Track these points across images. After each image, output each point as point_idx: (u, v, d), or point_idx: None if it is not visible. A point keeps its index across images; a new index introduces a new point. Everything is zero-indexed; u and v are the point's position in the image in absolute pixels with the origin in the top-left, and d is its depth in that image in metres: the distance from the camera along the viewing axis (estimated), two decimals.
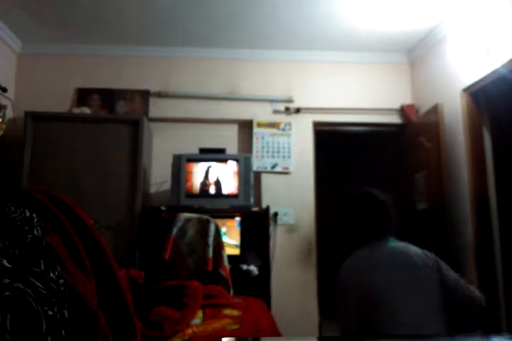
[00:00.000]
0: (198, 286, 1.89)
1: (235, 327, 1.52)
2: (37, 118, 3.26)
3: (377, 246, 1.74)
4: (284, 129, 3.76)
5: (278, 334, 1.56)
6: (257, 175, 3.64)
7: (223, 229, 3.07)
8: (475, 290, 1.69)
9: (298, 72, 3.86)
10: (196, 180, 3.29)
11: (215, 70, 3.84)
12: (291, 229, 3.61)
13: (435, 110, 3.23)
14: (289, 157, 3.72)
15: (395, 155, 3.92)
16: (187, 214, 2.71)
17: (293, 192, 3.66)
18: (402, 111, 3.80)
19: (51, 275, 0.57)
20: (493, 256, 2.85)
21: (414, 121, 3.66)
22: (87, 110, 3.53)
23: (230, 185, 3.27)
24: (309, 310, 3.49)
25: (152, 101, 3.75)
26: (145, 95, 3.74)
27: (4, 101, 3.01)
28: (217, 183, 3.30)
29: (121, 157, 3.24)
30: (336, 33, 3.50)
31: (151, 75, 3.79)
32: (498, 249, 2.86)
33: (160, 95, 3.75)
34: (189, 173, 3.28)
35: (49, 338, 0.49)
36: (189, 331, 1.42)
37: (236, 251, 3.16)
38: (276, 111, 3.80)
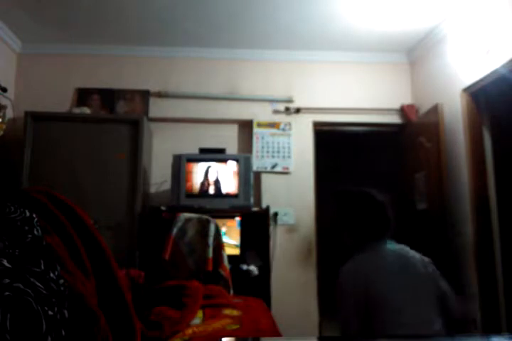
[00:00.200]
0: (198, 286, 1.89)
1: (235, 327, 1.52)
2: (37, 118, 3.26)
3: (375, 248, 1.72)
4: (284, 129, 3.76)
5: (278, 334, 1.56)
6: (257, 175, 3.64)
7: (223, 229, 3.07)
8: (461, 303, 1.71)
9: (298, 72, 3.86)
10: (196, 180, 3.29)
11: (215, 70, 3.84)
12: (291, 229, 3.61)
13: (435, 110, 3.23)
14: (289, 157, 3.72)
15: (395, 155, 3.92)
16: (187, 214, 2.71)
17: (293, 192, 3.66)
18: (402, 111, 3.80)
19: (51, 275, 0.57)
20: (493, 256, 2.85)
21: (414, 121, 3.65)
22: (87, 110, 3.53)
23: (230, 185, 3.27)
24: (309, 310, 3.49)
25: (152, 101, 3.75)
26: (145, 95, 3.74)
27: (4, 101, 3.00)
28: (217, 183, 3.30)
29: (121, 157, 3.24)
30: (336, 33, 3.50)
31: (151, 75, 3.79)
32: (498, 249, 2.86)
33: (160, 95, 3.75)
34: (189, 173, 3.28)
35: (49, 338, 0.49)
36: (189, 331, 1.42)
37: (236, 251, 3.16)
38: (276, 111, 3.80)
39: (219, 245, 2.56)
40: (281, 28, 3.43)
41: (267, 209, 3.34)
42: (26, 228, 0.61)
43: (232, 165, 3.31)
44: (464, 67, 3.06)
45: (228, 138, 3.78)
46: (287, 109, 3.78)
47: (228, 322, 1.57)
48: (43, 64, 3.77)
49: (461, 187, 3.04)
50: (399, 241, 1.81)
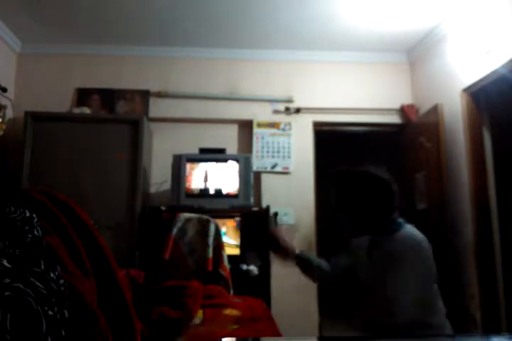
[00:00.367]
0: (198, 286, 1.89)
1: (235, 327, 1.52)
2: (37, 118, 3.26)
3: (405, 224, 1.68)
4: (284, 129, 3.76)
5: (278, 334, 1.56)
6: (257, 175, 3.64)
7: (223, 229, 3.06)
8: None
9: (298, 72, 3.86)
10: (196, 180, 3.29)
11: (215, 70, 3.84)
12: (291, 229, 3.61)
13: (435, 110, 3.23)
14: (289, 157, 3.72)
15: (395, 155, 3.92)
16: (187, 214, 2.71)
17: (293, 192, 3.66)
18: (402, 111, 3.80)
19: (51, 275, 0.57)
20: (493, 256, 2.85)
21: (414, 121, 3.65)
22: (87, 110, 3.53)
23: (230, 185, 3.27)
24: (309, 310, 3.49)
25: (152, 101, 3.75)
26: (145, 95, 3.74)
27: (4, 101, 3.00)
28: (217, 183, 3.29)
29: (121, 157, 3.24)
30: (336, 33, 3.50)
31: (151, 75, 3.79)
32: (498, 249, 2.86)
33: (160, 95, 3.75)
34: (189, 173, 3.28)
35: (49, 338, 0.49)
36: (189, 331, 1.42)
37: (236, 251, 3.16)
38: (276, 111, 3.80)
39: (219, 245, 2.56)
40: (281, 28, 3.43)
41: (267, 209, 3.34)
42: (26, 228, 0.61)
43: (232, 165, 3.31)
44: (464, 67, 3.06)
45: (228, 138, 3.78)
46: (287, 109, 3.78)
47: (228, 322, 1.57)
48: (43, 64, 3.77)
49: (461, 187, 3.04)
50: None
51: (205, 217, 2.67)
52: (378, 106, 3.81)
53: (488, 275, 2.82)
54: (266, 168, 3.69)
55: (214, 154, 3.40)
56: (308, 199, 3.67)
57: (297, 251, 1.82)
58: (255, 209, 3.36)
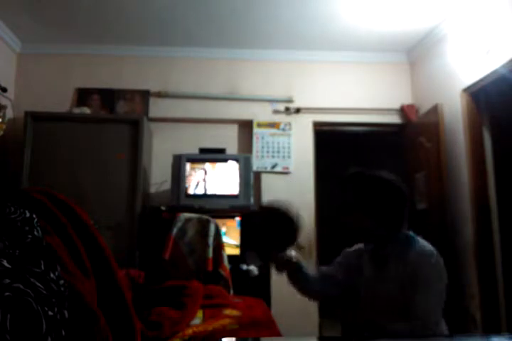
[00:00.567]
0: (198, 286, 1.89)
1: (235, 327, 1.52)
2: (37, 118, 3.26)
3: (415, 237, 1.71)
4: (284, 129, 3.76)
5: (278, 334, 1.56)
6: (257, 175, 3.64)
7: (223, 229, 3.06)
8: None
9: (298, 72, 3.86)
10: (196, 180, 3.29)
11: (215, 70, 3.84)
12: None
13: (435, 110, 3.23)
14: (289, 157, 3.72)
15: (395, 155, 3.92)
16: (187, 214, 2.71)
17: (293, 192, 3.66)
18: (402, 111, 3.80)
19: (51, 275, 0.57)
20: (493, 256, 2.85)
21: (414, 121, 3.66)
22: (87, 110, 3.53)
23: (230, 185, 3.27)
24: (309, 310, 3.49)
25: (152, 101, 3.75)
26: (145, 95, 3.74)
27: (4, 101, 3.01)
28: (217, 183, 3.29)
29: (121, 157, 3.24)
30: (336, 33, 3.50)
31: (151, 75, 3.79)
32: (498, 249, 2.86)
33: (160, 95, 3.75)
34: (189, 173, 3.28)
35: (49, 338, 0.49)
36: (189, 331, 1.42)
37: (236, 251, 3.16)
38: (276, 111, 3.80)
39: (219, 245, 2.56)
40: (282, 28, 3.43)
41: None
42: (26, 228, 0.61)
43: (232, 165, 3.31)
44: (464, 67, 3.06)
45: (228, 138, 3.78)
46: (287, 109, 3.78)
47: (228, 322, 1.57)
48: (43, 64, 3.77)
49: (461, 187, 3.04)
50: None
51: (205, 217, 2.67)
52: (378, 106, 3.81)
53: (488, 275, 2.82)
54: (266, 168, 3.69)
55: (214, 154, 3.41)
56: (308, 199, 3.67)
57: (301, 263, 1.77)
58: (255, 209, 3.35)
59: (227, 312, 1.75)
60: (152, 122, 3.64)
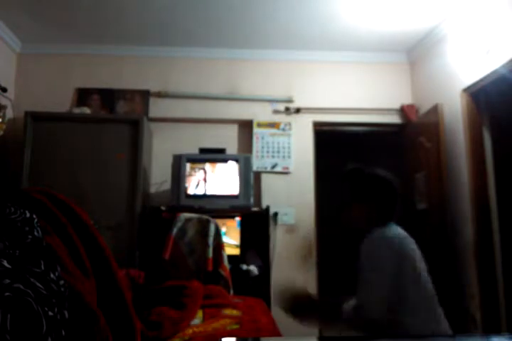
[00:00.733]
0: (198, 286, 1.89)
1: (235, 327, 1.52)
2: (37, 118, 3.26)
3: (397, 226, 1.76)
4: (284, 129, 3.76)
5: (278, 334, 1.56)
6: (257, 175, 3.64)
7: (223, 229, 3.07)
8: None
9: (298, 72, 3.86)
10: (196, 180, 3.29)
11: (215, 70, 3.84)
12: (291, 229, 3.61)
13: (435, 110, 3.23)
14: (289, 157, 3.72)
15: (395, 155, 3.92)
16: (187, 214, 2.71)
17: (293, 192, 3.66)
18: (402, 111, 3.80)
19: (51, 275, 0.57)
20: (493, 256, 2.85)
21: (414, 121, 3.66)
22: (87, 110, 3.53)
23: (230, 185, 3.27)
24: None
25: (152, 101, 3.75)
26: (145, 95, 3.74)
27: (4, 101, 3.01)
28: (217, 183, 3.30)
29: (121, 157, 3.24)
30: (336, 33, 3.50)
31: (151, 75, 3.79)
32: (498, 249, 2.86)
33: (160, 95, 3.75)
34: (189, 173, 3.28)
35: (49, 339, 0.49)
36: (189, 331, 1.42)
37: (236, 251, 3.16)
38: (276, 111, 3.80)
39: (219, 245, 2.56)
40: (282, 27, 3.43)
41: (267, 209, 3.34)
42: (26, 229, 0.61)
43: (232, 165, 3.31)
44: (464, 67, 3.06)
45: (228, 138, 3.78)
46: (287, 109, 3.78)
47: (228, 322, 1.57)
48: (43, 64, 3.77)
49: (461, 187, 3.04)
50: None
51: (205, 217, 2.67)
52: (378, 106, 3.81)
53: (488, 275, 2.82)
54: (266, 168, 3.69)
55: (214, 154, 3.41)
56: (308, 199, 3.67)
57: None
58: (255, 209, 3.36)
59: (227, 312, 1.75)
60: (152, 122, 3.64)
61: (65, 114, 3.48)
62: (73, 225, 0.79)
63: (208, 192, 3.27)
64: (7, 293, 0.47)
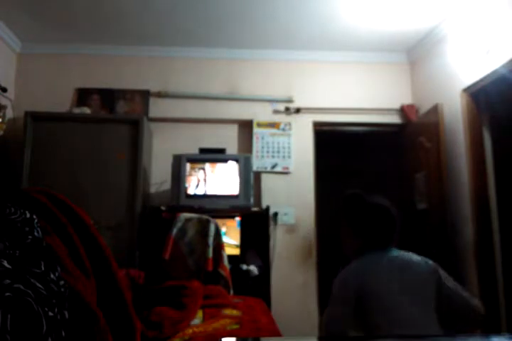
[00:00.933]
0: (198, 286, 1.89)
1: (235, 327, 1.52)
2: (37, 119, 3.26)
3: (379, 254, 1.76)
4: (284, 129, 3.76)
5: (278, 334, 1.56)
6: (257, 175, 3.64)
7: (223, 229, 3.07)
8: (473, 300, 1.70)
9: (298, 72, 3.86)
10: (196, 180, 3.29)
11: (215, 70, 3.84)
12: (291, 229, 3.61)
13: (435, 110, 3.23)
14: (289, 157, 3.72)
15: (395, 155, 3.92)
16: (187, 214, 2.71)
17: (293, 192, 3.66)
18: (402, 111, 3.80)
19: (51, 276, 0.57)
20: (493, 256, 2.85)
21: (414, 121, 3.66)
22: (87, 110, 3.53)
23: (230, 185, 3.27)
24: (309, 310, 3.49)
25: (152, 101, 3.75)
26: (145, 95, 3.74)
27: (4, 101, 3.02)
28: (217, 183, 3.30)
29: (121, 157, 3.24)
30: (336, 33, 3.50)
31: (151, 75, 3.79)
32: (498, 249, 2.86)
33: (160, 95, 3.75)
34: (189, 173, 3.28)
35: (49, 339, 0.49)
36: (189, 331, 1.42)
37: (236, 251, 3.16)
38: (276, 111, 3.80)
39: (219, 245, 2.56)
40: (282, 27, 3.43)
41: (267, 209, 3.34)
42: (26, 229, 0.61)
43: (232, 165, 3.31)
44: (464, 67, 3.06)
45: (228, 138, 3.78)
46: (287, 109, 3.79)
47: (228, 322, 1.57)
48: (43, 64, 3.77)
49: (461, 187, 3.04)
50: (401, 245, 1.82)
51: (205, 217, 2.67)
52: (378, 106, 3.81)
53: (488, 275, 2.82)
54: (266, 168, 3.69)
55: (214, 154, 3.40)
56: (308, 199, 3.67)
57: None
58: (255, 209, 3.36)
59: (227, 312, 1.75)
60: (152, 122, 3.64)
61: (65, 114, 3.48)
62: (73, 225, 0.79)
63: (208, 192, 3.27)
64: (7, 294, 0.47)
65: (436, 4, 3.05)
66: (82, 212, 0.84)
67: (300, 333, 3.23)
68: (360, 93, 3.84)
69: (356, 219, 1.83)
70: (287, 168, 3.70)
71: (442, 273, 1.74)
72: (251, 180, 3.27)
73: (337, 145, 4.64)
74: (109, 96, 3.72)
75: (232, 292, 2.44)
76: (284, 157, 3.71)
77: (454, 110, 3.13)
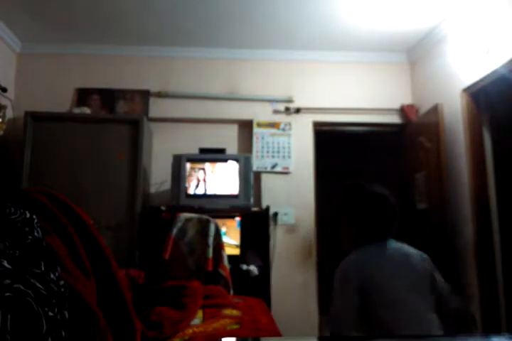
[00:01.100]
0: (198, 286, 1.89)
1: (235, 327, 1.52)
2: (37, 119, 3.26)
3: (378, 246, 1.75)
4: (284, 129, 3.76)
5: (278, 334, 1.56)
6: (257, 175, 3.64)
7: (223, 229, 3.07)
8: (461, 301, 1.72)
9: (298, 72, 3.86)
10: (196, 180, 3.29)
11: (215, 70, 3.84)
12: (291, 229, 3.61)
13: (435, 110, 3.23)
14: (289, 157, 3.72)
15: (395, 155, 3.92)
16: (187, 214, 2.71)
17: (293, 192, 3.66)
18: (402, 111, 3.80)
19: (51, 276, 0.57)
20: (493, 256, 2.85)
21: (414, 121, 3.66)
22: (87, 110, 3.53)
23: (230, 185, 3.27)
24: (309, 310, 3.49)
25: (152, 101, 3.75)
26: (145, 95, 3.74)
27: (4, 101, 3.02)
28: (217, 183, 3.30)
29: (121, 157, 3.24)
30: (336, 33, 3.50)
31: (151, 75, 3.79)
32: (498, 249, 2.86)
33: (160, 95, 3.75)
34: (189, 173, 3.28)
35: (49, 339, 0.49)
36: (189, 331, 1.42)
37: (236, 251, 3.16)
38: (276, 111, 3.80)
39: (219, 245, 2.56)
40: (282, 27, 3.43)
41: (267, 209, 3.34)
42: (26, 229, 0.61)
43: (232, 165, 3.31)
44: (464, 67, 3.06)
45: (228, 138, 3.78)
46: (287, 109, 3.79)
47: (228, 322, 1.57)
48: (43, 64, 3.77)
49: (461, 187, 3.04)
50: (399, 240, 1.83)
51: (205, 217, 2.67)
52: (378, 106, 3.81)
53: (488, 275, 2.82)
54: (266, 168, 3.69)
55: (214, 154, 3.40)
56: (308, 199, 3.67)
57: None
58: (255, 209, 3.36)
59: (227, 312, 1.75)
60: (152, 122, 3.64)
61: (65, 114, 3.48)
62: (73, 225, 0.79)
63: (208, 192, 3.27)
64: (7, 294, 0.47)
65: (436, 4, 3.05)
66: (82, 212, 0.84)
67: (300, 333, 3.23)
68: (360, 93, 3.84)
69: (355, 208, 1.81)
70: (287, 168, 3.70)
71: (434, 267, 1.75)
72: (251, 180, 3.27)
73: (337, 145, 4.64)
74: (109, 96, 3.72)
75: (232, 292, 2.45)
76: (284, 157, 3.71)
77: (454, 110, 3.13)
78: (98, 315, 0.66)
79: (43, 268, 0.56)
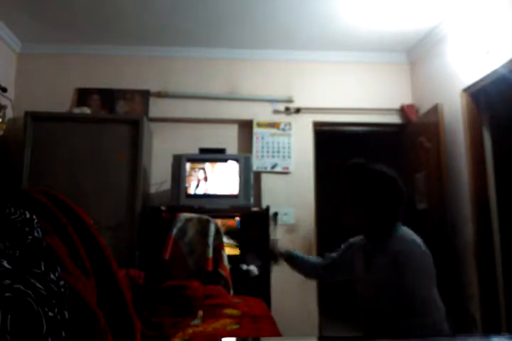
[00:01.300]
0: (198, 286, 1.89)
1: (235, 327, 1.52)
2: (37, 118, 3.26)
3: (406, 228, 1.67)
4: (284, 129, 3.76)
5: (278, 334, 1.56)
6: (257, 175, 3.64)
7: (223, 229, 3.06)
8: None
9: (298, 72, 3.86)
10: (196, 180, 3.29)
11: (215, 70, 3.84)
12: (291, 229, 3.61)
13: (435, 110, 3.23)
14: (289, 157, 3.72)
15: (395, 155, 3.92)
16: (187, 214, 2.72)
17: (293, 192, 3.66)
18: (402, 111, 3.80)
19: (51, 276, 0.57)
20: (493, 256, 2.85)
21: (414, 121, 3.66)
22: (87, 110, 3.53)
23: (230, 185, 3.27)
24: (309, 310, 3.49)
25: (152, 101, 3.75)
26: (145, 95, 3.74)
27: (4, 101, 3.02)
28: (217, 183, 3.30)
29: (121, 157, 3.24)
30: (336, 33, 3.50)
31: (151, 75, 3.79)
32: (498, 249, 2.86)
33: (160, 95, 3.75)
34: (189, 173, 3.28)
35: (49, 339, 0.49)
36: (189, 331, 1.42)
37: (236, 251, 3.16)
38: (276, 111, 3.80)
39: (219, 245, 2.56)
40: (282, 27, 3.43)
41: (267, 209, 3.34)
42: (26, 229, 0.61)
43: (232, 165, 3.31)
44: (464, 67, 3.06)
45: (228, 138, 3.78)
46: (287, 109, 3.78)
47: (228, 322, 1.57)
48: (43, 64, 3.77)
49: (461, 187, 3.04)
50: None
51: (205, 217, 2.67)
52: (378, 106, 3.81)
53: (488, 275, 2.82)
54: (266, 168, 3.69)
55: (214, 154, 3.40)
56: (308, 199, 3.67)
57: (284, 250, 2.09)
58: (255, 209, 3.36)
59: (227, 312, 1.75)
60: (152, 122, 3.64)
61: (65, 114, 3.48)
62: (73, 225, 0.79)
63: (208, 192, 3.27)
64: (7, 294, 0.47)
65: (436, 4, 3.05)
66: (82, 212, 0.84)
67: (300, 333, 3.23)
68: (360, 93, 3.84)
69: (359, 188, 1.67)
70: (287, 168, 3.70)
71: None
72: (251, 180, 3.27)
73: (337, 145, 4.64)
74: (109, 96, 3.72)
75: (232, 292, 2.45)
76: (284, 157, 3.71)
77: (454, 110, 3.13)
78: (98, 315, 0.66)
79: (43, 268, 0.56)
